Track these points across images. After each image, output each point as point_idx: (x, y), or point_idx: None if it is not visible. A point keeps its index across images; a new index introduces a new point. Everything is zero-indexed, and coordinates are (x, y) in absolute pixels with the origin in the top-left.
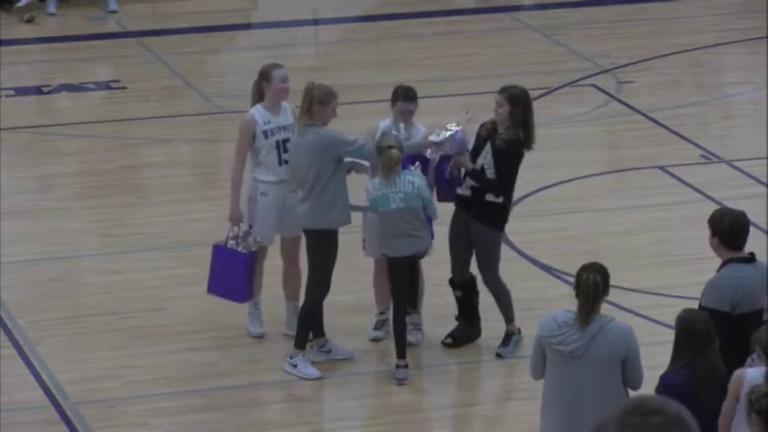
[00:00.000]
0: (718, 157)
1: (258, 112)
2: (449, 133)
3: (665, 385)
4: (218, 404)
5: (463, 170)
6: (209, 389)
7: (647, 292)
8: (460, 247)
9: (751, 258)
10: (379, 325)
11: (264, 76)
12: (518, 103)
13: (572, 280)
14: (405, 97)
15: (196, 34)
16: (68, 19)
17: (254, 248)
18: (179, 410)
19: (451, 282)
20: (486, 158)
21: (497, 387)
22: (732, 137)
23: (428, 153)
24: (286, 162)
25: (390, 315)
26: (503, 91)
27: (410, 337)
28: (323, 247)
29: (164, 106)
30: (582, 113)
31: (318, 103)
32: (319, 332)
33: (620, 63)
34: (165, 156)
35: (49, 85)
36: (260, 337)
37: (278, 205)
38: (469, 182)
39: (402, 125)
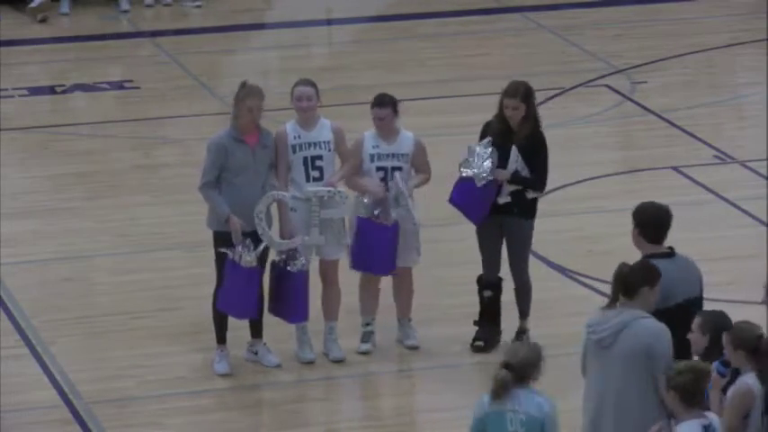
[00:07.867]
0: (731, 158)
1: (291, 125)
2: (485, 163)
3: None
4: (231, 404)
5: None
6: (222, 389)
7: None
8: (494, 249)
9: (670, 253)
10: (367, 337)
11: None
12: (530, 98)
13: (585, 280)
14: (375, 103)
15: (210, 34)
16: (81, 19)
17: (300, 268)
18: (192, 410)
19: (484, 283)
20: (517, 162)
21: None
22: (746, 137)
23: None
24: (315, 179)
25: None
26: (514, 93)
27: (409, 342)
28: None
29: (177, 106)
30: (595, 114)
31: (234, 104)
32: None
33: (633, 63)
34: (178, 156)
35: (63, 85)
36: (311, 362)
37: (307, 223)
38: (508, 189)
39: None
